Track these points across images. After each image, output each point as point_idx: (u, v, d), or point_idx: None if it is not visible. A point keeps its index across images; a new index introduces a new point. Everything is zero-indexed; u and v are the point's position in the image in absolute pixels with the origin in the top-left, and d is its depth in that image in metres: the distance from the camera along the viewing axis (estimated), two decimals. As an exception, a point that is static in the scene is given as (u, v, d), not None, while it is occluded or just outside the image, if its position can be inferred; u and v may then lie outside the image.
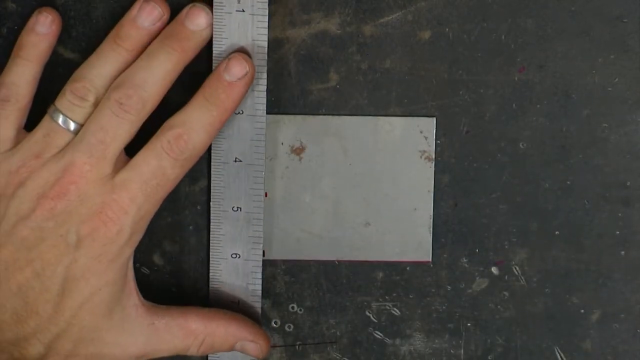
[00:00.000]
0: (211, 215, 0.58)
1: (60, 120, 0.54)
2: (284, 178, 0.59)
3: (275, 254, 0.59)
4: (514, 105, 0.58)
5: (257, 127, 0.57)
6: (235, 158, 0.57)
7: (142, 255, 0.59)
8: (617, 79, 0.58)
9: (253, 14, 0.56)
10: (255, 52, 0.56)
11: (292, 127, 0.58)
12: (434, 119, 0.58)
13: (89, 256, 0.53)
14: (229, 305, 0.58)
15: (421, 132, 0.59)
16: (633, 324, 0.60)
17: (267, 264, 0.59)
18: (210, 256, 0.58)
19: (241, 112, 0.57)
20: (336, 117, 0.58)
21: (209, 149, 0.57)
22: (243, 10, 0.56)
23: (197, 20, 0.54)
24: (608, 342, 0.60)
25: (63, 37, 0.57)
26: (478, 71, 0.58)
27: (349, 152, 0.59)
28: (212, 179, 0.57)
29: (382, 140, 0.59)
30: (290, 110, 0.58)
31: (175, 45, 0.54)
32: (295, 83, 0.58)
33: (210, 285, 0.58)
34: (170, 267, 0.59)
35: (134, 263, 0.59)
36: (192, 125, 0.54)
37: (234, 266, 0.58)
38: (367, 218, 0.59)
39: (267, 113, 0.58)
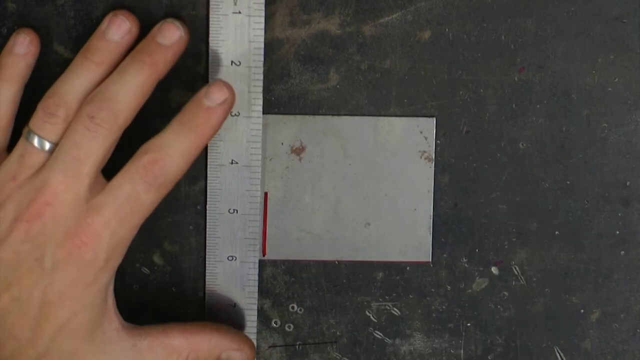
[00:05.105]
0: (207, 217, 0.58)
1: (33, 139, 0.53)
2: (284, 178, 0.59)
3: (275, 254, 0.59)
4: (514, 105, 0.58)
5: (254, 128, 0.57)
6: (232, 160, 0.57)
7: (142, 255, 0.59)
8: (616, 79, 0.58)
9: (250, 16, 0.56)
10: (252, 53, 0.56)
11: (292, 127, 0.58)
12: (434, 119, 0.58)
13: (64, 280, 0.52)
14: (225, 308, 0.58)
15: (421, 132, 0.59)
16: (633, 324, 0.60)
17: (267, 264, 0.59)
18: (207, 258, 0.58)
19: (237, 113, 0.57)
20: (336, 117, 0.58)
21: (205, 151, 0.57)
22: (240, 12, 0.56)
23: (167, 35, 0.54)
24: (608, 342, 0.60)
25: (63, 37, 0.57)
26: (478, 71, 0.58)
27: (349, 152, 0.59)
28: (208, 181, 0.57)
29: (382, 140, 0.59)
30: (290, 110, 0.58)
31: (145, 58, 0.53)
32: (295, 83, 0.58)
33: (207, 288, 0.58)
34: (170, 267, 0.59)
35: (134, 263, 0.59)
36: (168, 151, 0.53)
37: (230, 268, 0.58)
38: (367, 218, 0.59)
39: (267, 113, 0.58)
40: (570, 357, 0.60)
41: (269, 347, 0.60)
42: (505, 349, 0.60)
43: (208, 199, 0.57)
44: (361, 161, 0.59)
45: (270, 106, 0.58)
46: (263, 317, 0.60)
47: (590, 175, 0.59)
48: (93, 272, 0.52)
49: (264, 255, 0.59)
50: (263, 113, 0.58)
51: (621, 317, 0.60)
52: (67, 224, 0.52)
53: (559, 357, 0.60)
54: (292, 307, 0.60)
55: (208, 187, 0.57)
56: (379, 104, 0.58)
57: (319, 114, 0.58)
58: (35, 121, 0.54)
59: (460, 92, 0.58)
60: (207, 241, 0.58)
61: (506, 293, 0.60)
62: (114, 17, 0.54)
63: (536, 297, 0.60)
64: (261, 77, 0.56)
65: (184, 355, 0.55)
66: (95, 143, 0.53)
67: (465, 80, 0.58)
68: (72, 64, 0.54)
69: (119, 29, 0.54)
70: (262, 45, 0.56)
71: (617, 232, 0.59)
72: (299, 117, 0.58)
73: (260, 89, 0.57)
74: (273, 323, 0.60)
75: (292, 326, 0.60)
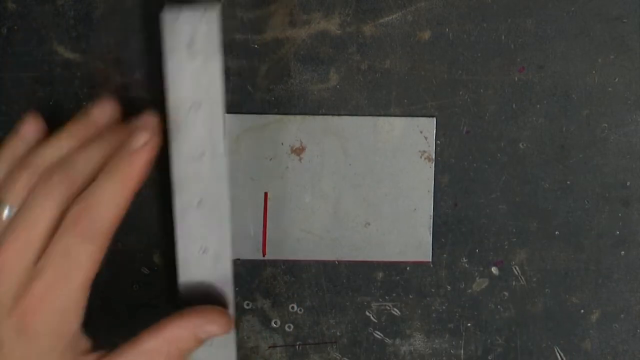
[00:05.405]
0: (177, 259, 0.56)
1: (1, 208, 0.53)
2: (284, 178, 0.59)
3: (275, 254, 0.59)
4: (513, 105, 0.59)
5: (218, 169, 0.54)
6: (199, 201, 0.55)
7: (142, 255, 0.59)
8: (617, 79, 0.58)
9: (206, 60, 0.54)
10: (211, 95, 0.54)
11: (292, 127, 0.58)
12: (434, 119, 0.59)
13: (21, 350, 0.51)
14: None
15: (421, 132, 0.59)
16: (633, 324, 0.60)
17: (267, 264, 0.59)
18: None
19: (203, 153, 0.54)
20: (336, 117, 0.58)
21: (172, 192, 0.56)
22: (195, 58, 0.54)
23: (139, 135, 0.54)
24: (608, 342, 0.60)
25: (63, 37, 0.57)
26: (478, 71, 0.58)
27: (349, 152, 0.59)
28: (176, 224, 0.55)
29: (382, 140, 0.59)
30: (290, 110, 0.58)
31: (111, 137, 0.53)
32: (295, 83, 0.58)
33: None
34: (170, 267, 0.59)
35: (134, 263, 0.59)
36: (96, 199, 0.51)
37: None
38: (367, 218, 0.59)
39: (267, 113, 0.58)
40: (570, 357, 0.60)
41: (269, 347, 0.60)
42: (505, 349, 0.60)
43: (177, 242, 0.55)
44: (361, 161, 0.59)
45: (270, 106, 0.58)
46: (263, 317, 0.60)
47: (590, 175, 0.59)
48: (47, 340, 0.51)
49: (264, 256, 0.59)
50: (263, 113, 0.58)
51: (621, 317, 0.60)
52: (15, 292, 0.51)
53: (559, 357, 0.60)
54: (292, 307, 0.60)
55: (176, 231, 0.55)
56: (379, 104, 0.58)
57: (319, 114, 0.58)
58: (5, 190, 0.53)
59: (460, 92, 0.58)
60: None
61: (506, 293, 0.60)
62: (99, 101, 0.54)
63: (536, 297, 0.60)
64: (221, 118, 0.54)
65: (164, 352, 0.53)
66: (48, 207, 0.51)
67: (465, 80, 0.58)
68: (50, 139, 0.54)
69: (102, 112, 0.54)
70: (221, 87, 0.54)
71: (617, 232, 0.59)
72: (299, 117, 0.58)
73: (221, 130, 0.54)
74: (273, 323, 0.60)
75: (292, 326, 0.60)
